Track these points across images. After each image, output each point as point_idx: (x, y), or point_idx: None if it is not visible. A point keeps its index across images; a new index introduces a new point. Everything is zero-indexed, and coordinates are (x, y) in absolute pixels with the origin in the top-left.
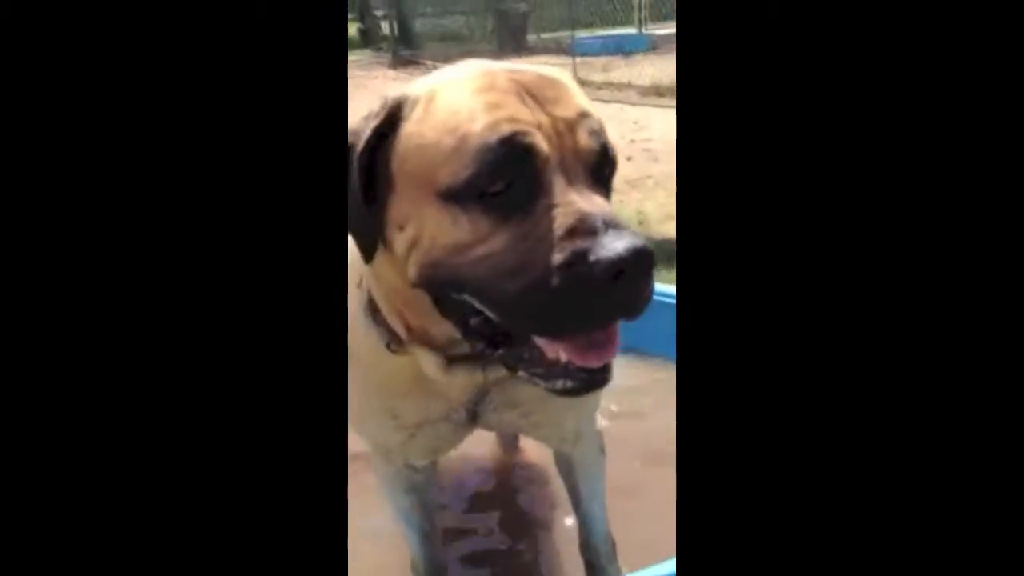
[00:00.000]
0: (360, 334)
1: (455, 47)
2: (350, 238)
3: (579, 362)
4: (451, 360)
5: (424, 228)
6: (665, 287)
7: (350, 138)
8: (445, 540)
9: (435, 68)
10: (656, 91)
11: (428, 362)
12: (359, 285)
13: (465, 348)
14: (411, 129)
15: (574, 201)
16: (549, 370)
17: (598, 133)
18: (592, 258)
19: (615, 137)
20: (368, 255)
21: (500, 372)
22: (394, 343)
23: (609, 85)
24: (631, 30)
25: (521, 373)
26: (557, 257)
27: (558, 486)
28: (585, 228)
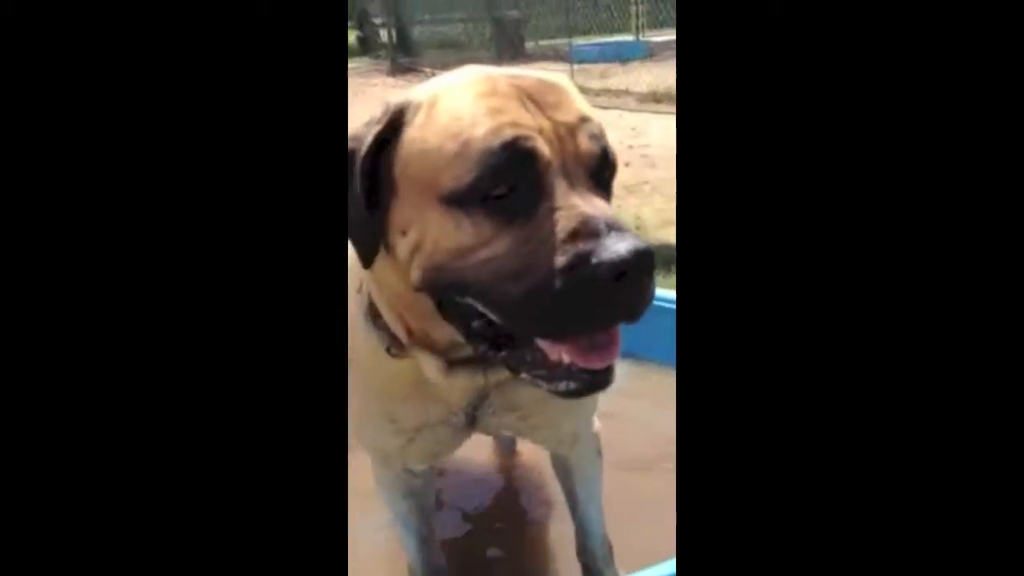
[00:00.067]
0: (360, 339)
1: (453, 54)
2: (350, 243)
3: (582, 363)
4: (452, 363)
5: (427, 232)
6: (662, 292)
7: (351, 144)
8: (442, 544)
9: (434, 75)
10: (653, 97)
11: (429, 366)
12: (359, 290)
13: (466, 351)
14: (414, 134)
15: (576, 204)
16: (552, 372)
17: (598, 137)
18: (595, 260)
19: (613, 143)
20: (368, 260)
21: (500, 375)
22: (395, 347)
23: (607, 92)
24: (628, 37)
25: (524, 375)
26: (560, 259)
27: (555, 490)
28: (588, 230)
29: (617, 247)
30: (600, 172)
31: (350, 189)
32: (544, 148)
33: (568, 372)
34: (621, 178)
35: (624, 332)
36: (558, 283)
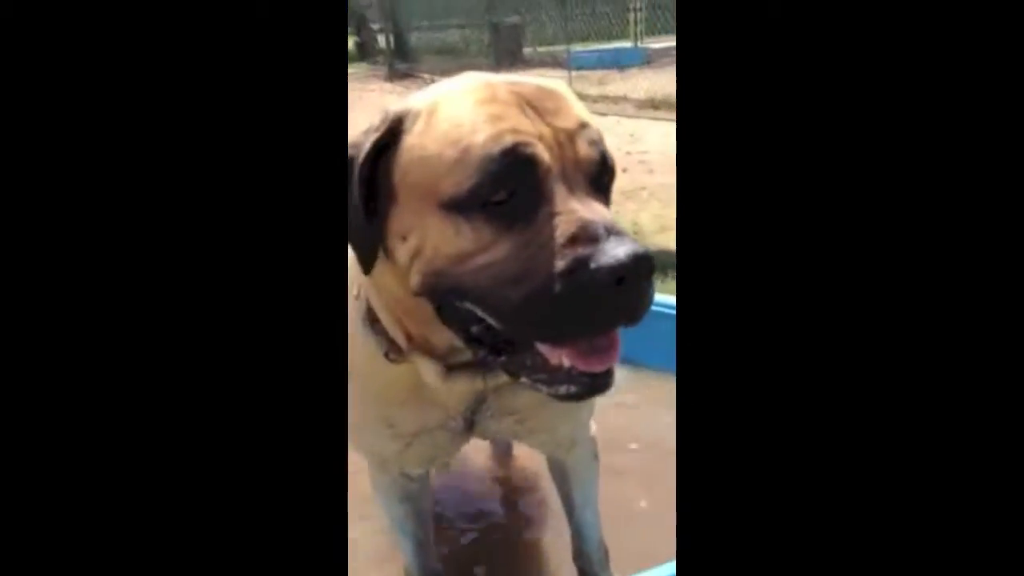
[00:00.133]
0: (357, 344)
1: (451, 60)
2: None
3: (582, 367)
4: (451, 368)
5: (427, 238)
6: (662, 297)
7: (350, 151)
8: (438, 549)
9: (431, 81)
10: (651, 104)
11: (428, 370)
12: (356, 296)
13: (465, 356)
14: (413, 141)
15: (575, 209)
16: (552, 376)
17: (597, 143)
18: (593, 264)
19: (611, 149)
20: (368, 266)
21: (499, 379)
22: (393, 352)
23: (605, 98)
24: (626, 44)
25: (524, 380)
26: (559, 264)
27: (551, 494)
28: (587, 235)
29: (616, 252)
30: (599, 177)
31: (349, 196)
32: (544, 154)
33: (568, 376)
34: (619, 184)
35: (621, 337)
36: (557, 287)
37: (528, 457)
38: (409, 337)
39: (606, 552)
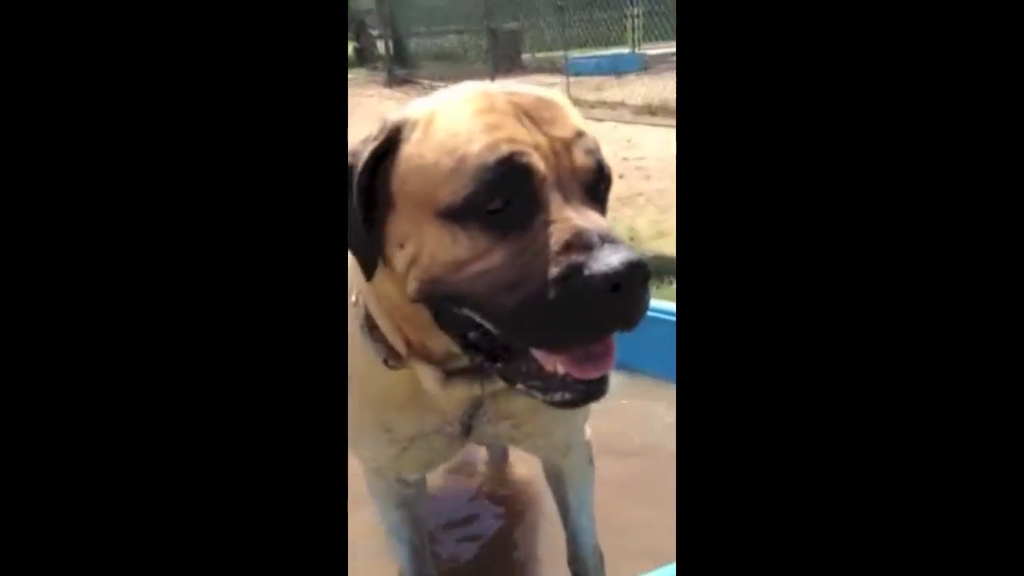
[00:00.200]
0: (356, 350)
1: (450, 66)
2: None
3: (576, 374)
4: (449, 374)
5: (424, 245)
6: (657, 303)
7: (350, 159)
8: (433, 554)
9: (430, 86)
10: (648, 110)
11: (427, 376)
12: (355, 303)
13: (463, 362)
14: (411, 150)
15: (570, 217)
16: (547, 383)
17: (593, 152)
18: (587, 272)
19: (608, 155)
20: (368, 272)
21: (496, 385)
22: (392, 358)
23: (602, 104)
24: (624, 50)
25: (519, 386)
26: (553, 271)
27: (546, 500)
28: (581, 243)
29: (610, 259)
30: (595, 186)
31: (349, 203)
32: (539, 163)
33: (563, 383)
34: (616, 190)
35: (616, 342)
36: (551, 293)
37: (523, 463)
38: (408, 343)
39: (601, 557)
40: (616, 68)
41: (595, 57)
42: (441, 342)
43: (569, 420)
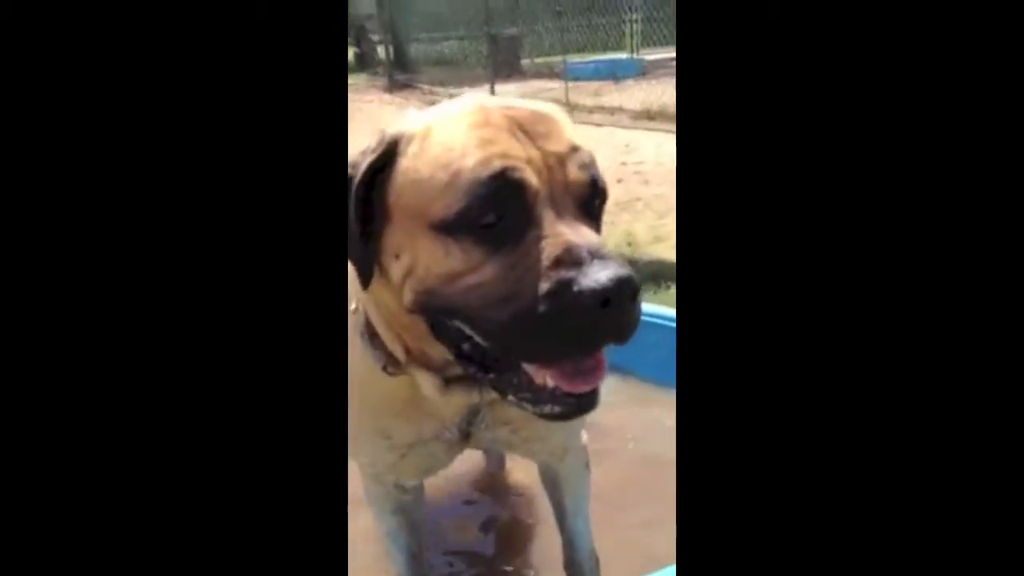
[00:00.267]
0: (355, 357)
1: (450, 71)
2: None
3: (566, 388)
4: (448, 381)
5: (419, 258)
6: (653, 308)
7: (349, 170)
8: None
9: (431, 92)
10: (647, 115)
11: (426, 383)
12: (354, 310)
13: (461, 369)
14: (407, 164)
15: (562, 232)
16: (537, 395)
17: (588, 166)
18: (576, 288)
19: (606, 160)
20: (365, 281)
21: (494, 392)
22: (391, 366)
23: (601, 109)
24: (622, 55)
25: (511, 398)
26: (544, 286)
27: (542, 504)
28: (571, 258)
29: (598, 275)
30: (589, 201)
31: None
32: (532, 178)
33: (552, 396)
34: (614, 195)
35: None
36: (542, 308)
37: (519, 468)
38: (407, 350)
39: (596, 561)
40: (614, 73)
41: (593, 62)
42: (439, 350)
43: (566, 425)
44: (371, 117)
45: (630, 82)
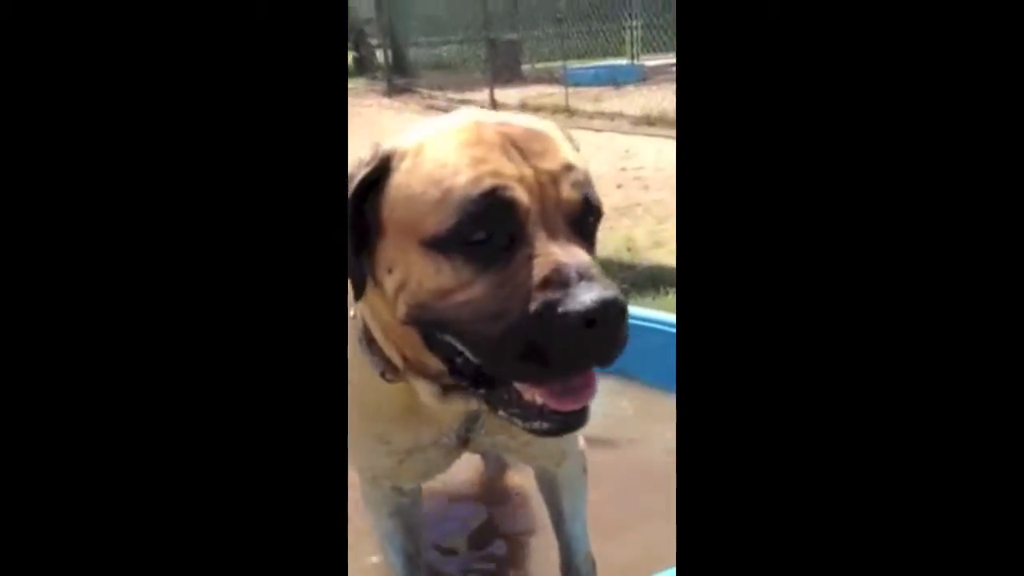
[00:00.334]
0: (354, 362)
1: (449, 75)
2: None
3: (554, 406)
4: (446, 389)
5: (411, 273)
6: (653, 313)
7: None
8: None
9: (430, 96)
10: (647, 121)
11: (424, 390)
12: (353, 317)
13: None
14: (400, 180)
15: (552, 252)
16: (526, 411)
17: (581, 184)
18: (561, 309)
19: (606, 165)
20: (358, 293)
21: None
22: (389, 372)
23: (601, 115)
24: (623, 61)
25: (501, 413)
26: (531, 306)
27: (538, 509)
28: (558, 279)
29: (583, 298)
30: (581, 219)
31: None
32: (523, 197)
33: (541, 413)
34: (614, 200)
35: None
36: (528, 328)
37: (516, 471)
38: (405, 358)
39: (593, 564)
40: (615, 79)
41: (594, 68)
42: (435, 359)
43: None
44: (370, 121)
45: (630, 88)
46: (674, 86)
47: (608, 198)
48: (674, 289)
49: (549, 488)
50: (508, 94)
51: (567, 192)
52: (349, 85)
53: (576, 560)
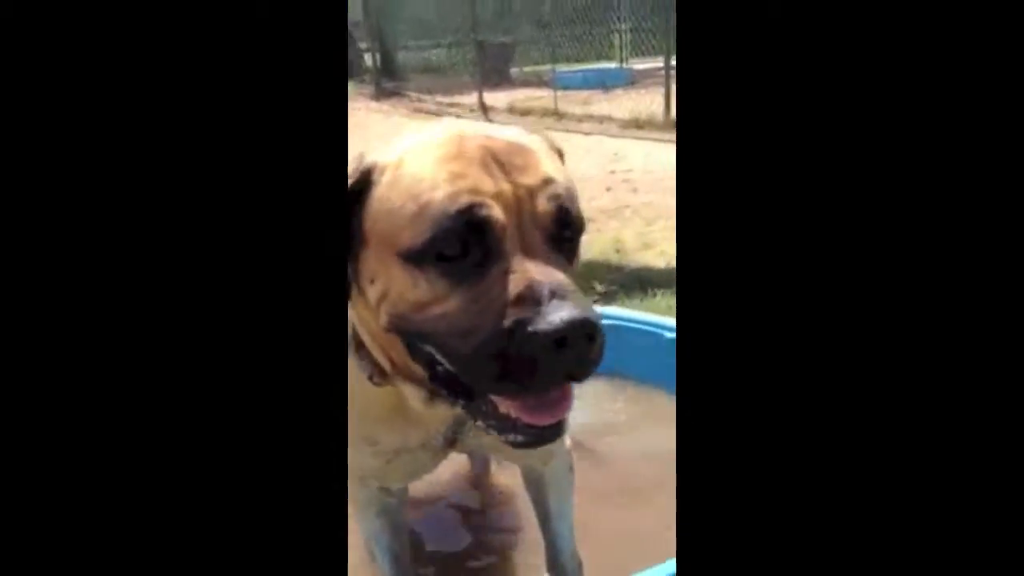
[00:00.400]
0: None
1: (438, 79)
2: None
3: (527, 420)
4: (433, 393)
5: (391, 284)
6: (641, 314)
7: None
8: (414, 560)
9: (418, 99)
10: (635, 123)
11: (412, 395)
12: None
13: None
14: (381, 192)
15: (527, 269)
16: (502, 424)
17: (560, 198)
18: (531, 328)
19: (595, 168)
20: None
21: None
22: (378, 376)
23: (590, 118)
24: (611, 64)
25: (479, 423)
26: (502, 323)
27: (524, 506)
28: (530, 296)
29: (552, 317)
30: (559, 234)
31: None
32: (499, 214)
33: (515, 426)
34: (602, 202)
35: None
36: (500, 345)
37: (502, 470)
38: (392, 363)
39: (579, 563)
40: (603, 82)
41: (582, 71)
42: (421, 365)
43: None
44: (358, 125)
45: (619, 91)
46: (662, 90)
47: (597, 200)
48: (661, 291)
49: (536, 487)
50: (497, 97)
51: (543, 206)
52: None
53: (562, 558)
